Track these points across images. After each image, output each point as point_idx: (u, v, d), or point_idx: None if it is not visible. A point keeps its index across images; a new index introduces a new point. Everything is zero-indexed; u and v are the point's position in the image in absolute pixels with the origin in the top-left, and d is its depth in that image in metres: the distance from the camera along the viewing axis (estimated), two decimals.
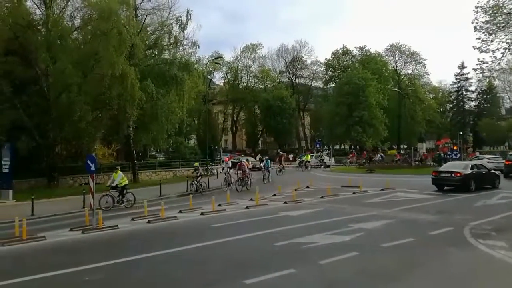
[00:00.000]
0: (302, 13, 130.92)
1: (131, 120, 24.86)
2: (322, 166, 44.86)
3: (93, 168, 13.34)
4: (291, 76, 74.07)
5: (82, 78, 23.18)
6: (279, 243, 9.96)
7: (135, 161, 28.74)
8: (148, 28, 31.39)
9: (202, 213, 15.24)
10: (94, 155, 14.86)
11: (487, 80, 45.94)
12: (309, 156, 45.21)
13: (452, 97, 77.62)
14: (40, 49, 23.43)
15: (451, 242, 9.93)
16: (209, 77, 62.73)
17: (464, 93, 75.28)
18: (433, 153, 50.53)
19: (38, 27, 24.85)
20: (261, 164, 31.69)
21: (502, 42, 13.60)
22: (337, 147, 70.67)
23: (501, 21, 13.96)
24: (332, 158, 48.96)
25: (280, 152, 46.78)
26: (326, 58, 72.29)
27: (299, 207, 16.42)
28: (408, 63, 74.17)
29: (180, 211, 15.79)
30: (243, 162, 25.05)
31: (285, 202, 17.63)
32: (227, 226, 12.85)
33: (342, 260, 8.49)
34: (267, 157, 34.00)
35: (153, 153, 54.78)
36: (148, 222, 13.69)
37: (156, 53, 30.58)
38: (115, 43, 21.79)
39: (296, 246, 9.73)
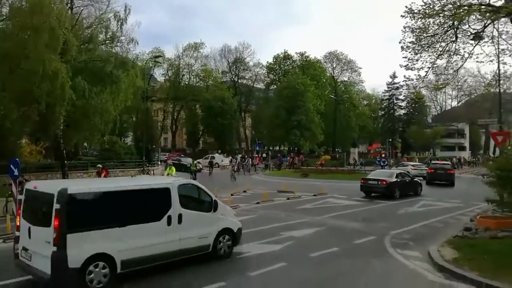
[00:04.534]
0: (247, 15, 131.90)
1: (61, 118, 23.50)
2: (247, 171, 40.44)
3: (16, 173, 12.59)
4: (234, 77, 74.48)
5: (8, 73, 21.57)
6: None
7: (65, 161, 27.27)
8: (83, 21, 29.94)
9: None
10: (17, 159, 13.73)
11: (415, 92, 49.16)
12: (174, 169, 25.40)
13: (384, 104, 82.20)
14: None
15: (372, 251, 10.67)
16: (149, 73, 61.21)
17: (395, 101, 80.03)
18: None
19: None
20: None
21: (426, 62, 14.64)
22: (277, 148, 72.09)
23: (426, 43, 14.97)
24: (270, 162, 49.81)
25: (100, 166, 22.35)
26: (268, 62, 73.70)
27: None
28: (345, 71, 78.20)
29: None
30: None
31: None
32: None
33: (271, 271, 8.85)
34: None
35: (86, 151, 52.28)
36: None
37: (91, 48, 29.22)
38: (47, 39, 20.50)
39: None
